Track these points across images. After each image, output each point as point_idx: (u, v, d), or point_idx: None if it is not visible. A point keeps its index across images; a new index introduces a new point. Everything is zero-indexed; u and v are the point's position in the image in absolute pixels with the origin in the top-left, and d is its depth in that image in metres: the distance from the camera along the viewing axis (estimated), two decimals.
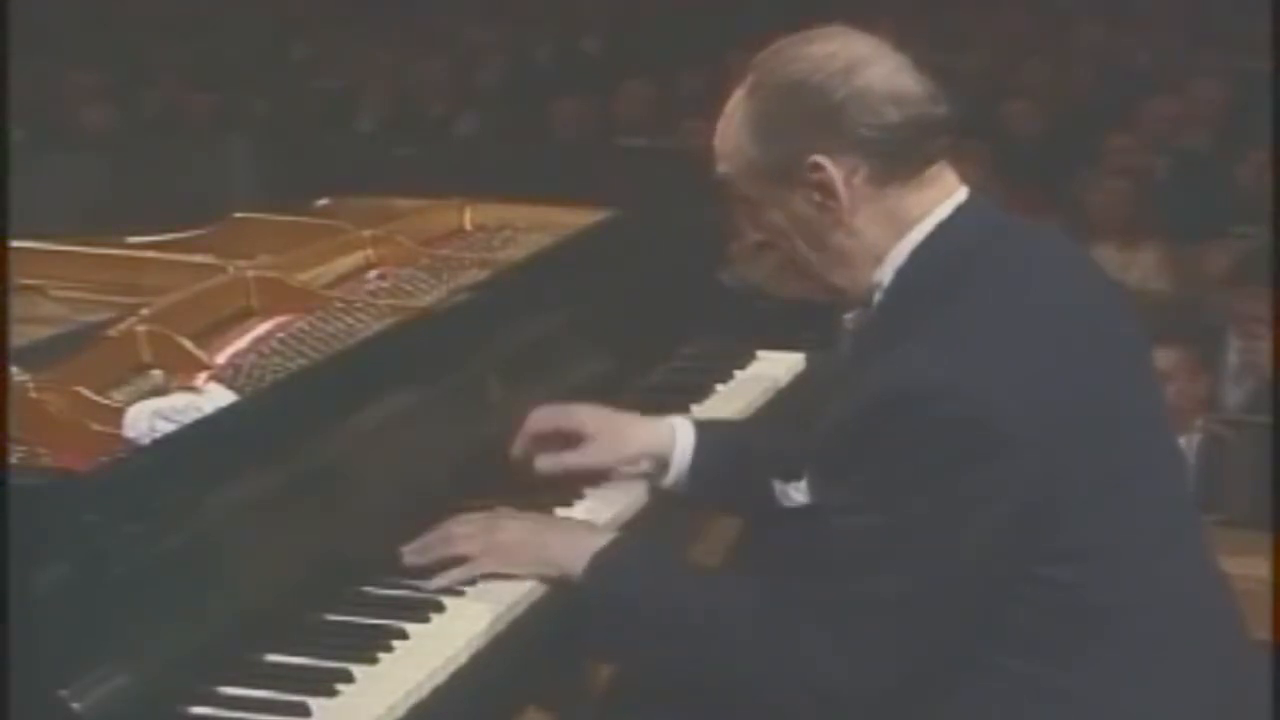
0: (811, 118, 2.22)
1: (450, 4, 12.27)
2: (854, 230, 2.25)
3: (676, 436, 2.71)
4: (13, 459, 2.23)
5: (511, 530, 2.47)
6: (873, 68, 2.23)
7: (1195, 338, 6.01)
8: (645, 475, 2.72)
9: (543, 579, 2.41)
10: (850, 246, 2.26)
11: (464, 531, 2.47)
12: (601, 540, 2.40)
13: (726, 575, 2.33)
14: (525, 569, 2.42)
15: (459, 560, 2.44)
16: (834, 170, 2.22)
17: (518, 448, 2.70)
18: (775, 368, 3.36)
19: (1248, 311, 6.01)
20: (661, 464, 2.71)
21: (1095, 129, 8.19)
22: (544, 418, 2.71)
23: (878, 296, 2.28)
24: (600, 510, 2.69)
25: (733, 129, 2.30)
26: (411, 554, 2.47)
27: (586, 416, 2.71)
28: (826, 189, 2.23)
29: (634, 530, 2.65)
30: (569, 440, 2.69)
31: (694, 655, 2.28)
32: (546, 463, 2.69)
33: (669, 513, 2.79)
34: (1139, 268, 6.69)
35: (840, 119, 2.21)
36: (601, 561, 2.35)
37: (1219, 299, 6.49)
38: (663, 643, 2.31)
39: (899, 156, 2.23)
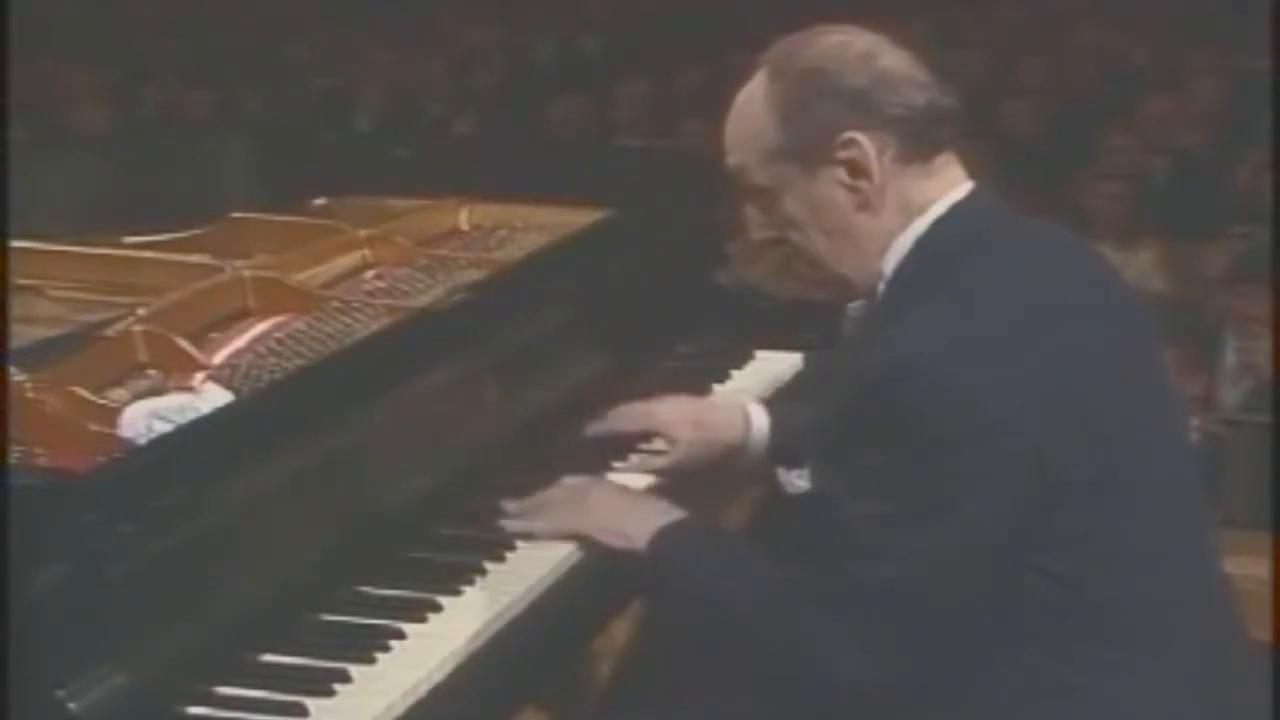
0: (841, 97, 2.25)
1: (449, 4, 12.27)
2: (876, 212, 2.27)
3: (751, 425, 2.80)
4: (10, 459, 2.23)
5: (601, 495, 2.57)
6: (888, 55, 2.29)
7: (1193, 337, 6.01)
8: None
9: (611, 544, 2.47)
10: (867, 230, 2.28)
11: (564, 495, 2.60)
12: (670, 518, 2.44)
13: (764, 560, 2.36)
14: (605, 536, 2.48)
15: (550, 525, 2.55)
16: (869, 146, 2.23)
17: (595, 432, 2.85)
18: (773, 367, 3.36)
19: (1246, 311, 6.01)
20: (740, 453, 2.81)
21: (1094, 129, 8.19)
22: (628, 419, 2.84)
23: (881, 286, 2.29)
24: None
25: (751, 116, 2.31)
26: (514, 511, 2.60)
27: (671, 419, 2.82)
28: (858, 167, 2.25)
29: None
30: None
31: (735, 636, 2.33)
32: (635, 463, 2.82)
33: (683, 491, 2.82)
34: (1137, 267, 6.68)
35: (869, 98, 2.25)
36: (663, 538, 2.41)
37: (1217, 299, 6.48)
38: (707, 621, 2.38)
39: (921, 138, 2.27)
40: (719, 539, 2.51)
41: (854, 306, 2.40)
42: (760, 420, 2.80)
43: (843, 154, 2.25)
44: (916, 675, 2.17)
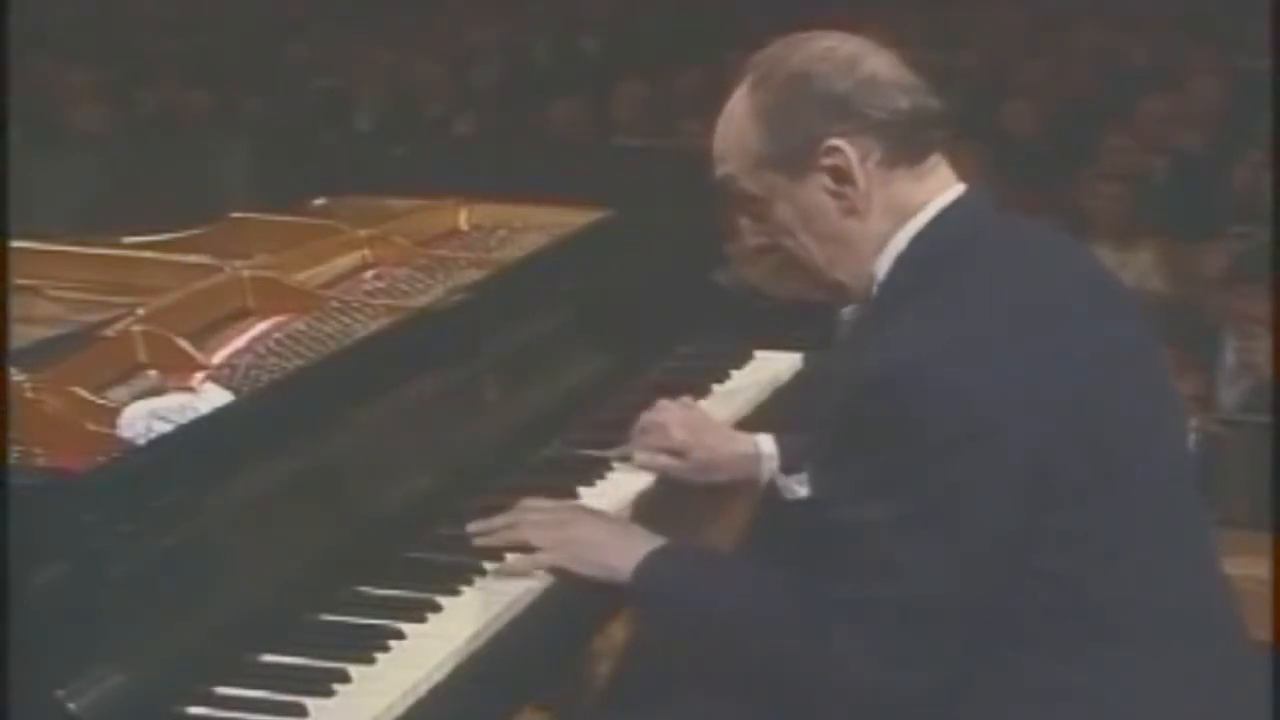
0: (823, 103, 2.25)
1: (449, 4, 12.27)
2: (865, 217, 2.27)
3: (761, 461, 2.80)
4: (10, 459, 2.23)
5: (582, 529, 2.49)
6: (873, 59, 2.28)
7: (1193, 337, 6.01)
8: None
9: (602, 581, 2.42)
10: (858, 235, 2.28)
11: (536, 519, 2.51)
12: (651, 545, 2.41)
13: (755, 572, 2.36)
14: (588, 569, 2.43)
15: (524, 545, 2.48)
16: (851, 153, 2.23)
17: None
18: (773, 367, 3.36)
19: (1245, 311, 6.00)
20: (750, 483, 2.82)
21: (1093, 129, 8.19)
22: (661, 422, 2.83)
23: (874, 289, 2.29)
24: (619, 490, 2.76)
25: (736, 125, 2.31)
26: (477, 532, 2.52)
27: (691, 440, 2.81)
28: (842, 174, 2.25)
29: (649, 509, 2.71)
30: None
31: (733, 654, 2.32)
32: (645, 459, 2.81)
33: (683, 495, 2.83)
34: (1136, 267, 6.68)
35: (851, 104, 2.24)
36: (648, 567, 2.37)
37: (1216, 299, 6.48)
38: (701, 642, 2.36)
39: (907, 141, 2.26)
40: (703, 559, 2.50)
41: (847, 310, 2.40)
42: (769, 452, 2.80)
43: (826, 161, 2.25)
44: (919, 678, 2.17)
